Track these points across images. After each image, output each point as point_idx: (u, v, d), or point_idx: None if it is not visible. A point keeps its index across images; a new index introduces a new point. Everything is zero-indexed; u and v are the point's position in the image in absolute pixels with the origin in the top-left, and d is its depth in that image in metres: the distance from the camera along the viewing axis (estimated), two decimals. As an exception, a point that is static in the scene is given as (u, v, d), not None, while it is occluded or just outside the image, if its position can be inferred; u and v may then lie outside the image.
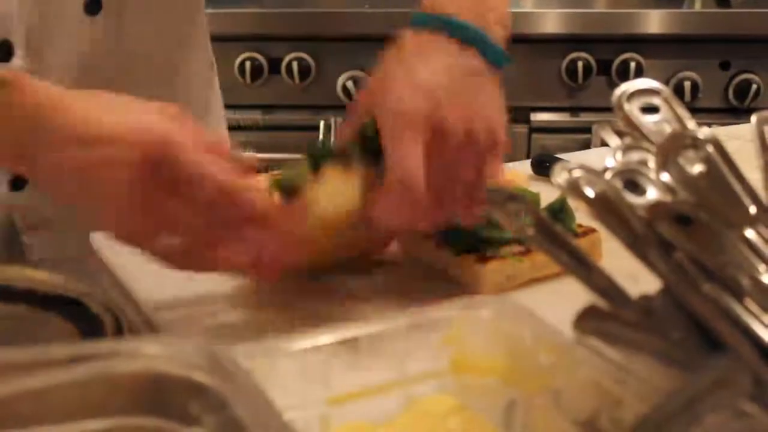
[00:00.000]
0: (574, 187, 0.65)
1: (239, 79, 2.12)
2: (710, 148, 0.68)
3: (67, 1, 1.10)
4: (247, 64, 2.10)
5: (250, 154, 0.84)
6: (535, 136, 2.18)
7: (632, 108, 0.74)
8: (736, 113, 2.10)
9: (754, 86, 2.09)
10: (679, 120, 0.74)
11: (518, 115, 2.18)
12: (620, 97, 0.75)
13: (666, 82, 2.10)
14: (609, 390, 0.60)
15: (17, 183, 1.13)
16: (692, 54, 2.11)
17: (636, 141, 0.73)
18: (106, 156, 0.75)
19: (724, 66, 2.11)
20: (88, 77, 1.12)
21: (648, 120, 0.74)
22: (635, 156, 0.71)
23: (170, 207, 0.77)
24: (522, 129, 2.18)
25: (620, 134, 0.76)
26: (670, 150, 0.67)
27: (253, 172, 0.79)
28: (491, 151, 0.81)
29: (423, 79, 0.79)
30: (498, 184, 0.81)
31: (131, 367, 0.57)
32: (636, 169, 0.68)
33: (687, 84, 2.09)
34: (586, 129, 2.12)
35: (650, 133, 0.74)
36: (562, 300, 0.85)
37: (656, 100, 0.75)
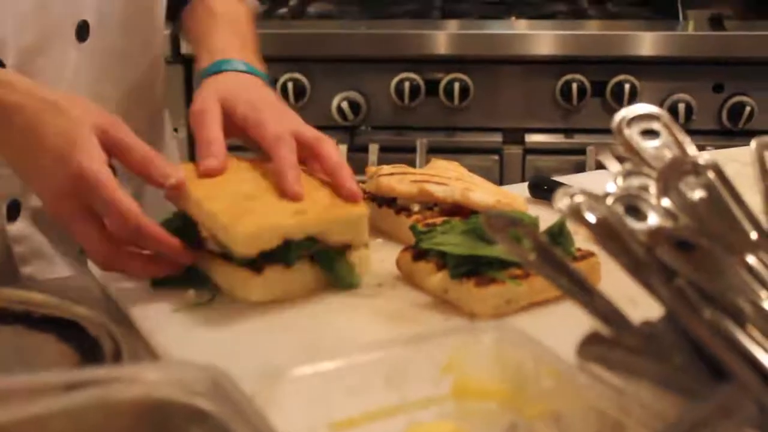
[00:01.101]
0: (575, 212, 0.65)
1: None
2: (711, 174, 0.68)
3: (60, 27, 1.11)
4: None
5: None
6: (529, 157, 2.18)
7: (632, 133, 0.74)
8: (730, 135, 2.10)
9: (748, 108, 2.09)
10: (679, 145, 0.74)
11: (512, 136, 2.18)
12: (620, 122, 0.75)
13: (660, 104, 2.10)
14: (611, 416, 0.60)
15: (11, 213, 1.14)
16: (686, 76, 2.12)
17: (636, 166, 0.73)
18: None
19: (718, 88, 2.12)
20: None
21: (648, 145, 0.74)
22: (636, 181, 0.72)
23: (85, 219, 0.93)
24: (516, 150, 2.18)
25: (620, 159, 0.76)
26: (671, 176, 0.68)
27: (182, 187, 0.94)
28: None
29: (274, 111, 1.04)
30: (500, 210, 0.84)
31: (131, 393, 0.57)
32: (637, 194, 0.68)
33: (681, 106, 2.09)
34: (581, 150, 2.12)
35: (650, 158, 0.74)
36: (561, 324, 0.84)
37: (656, 125, 0.75)
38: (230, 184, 0.96)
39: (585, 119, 2.15)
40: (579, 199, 0.65)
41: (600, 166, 2.03)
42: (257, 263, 0.91)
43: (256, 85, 1.09)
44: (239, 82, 1.09)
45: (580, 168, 2.11)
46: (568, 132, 2.17)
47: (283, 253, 0.91)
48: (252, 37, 1.21)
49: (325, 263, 0.94)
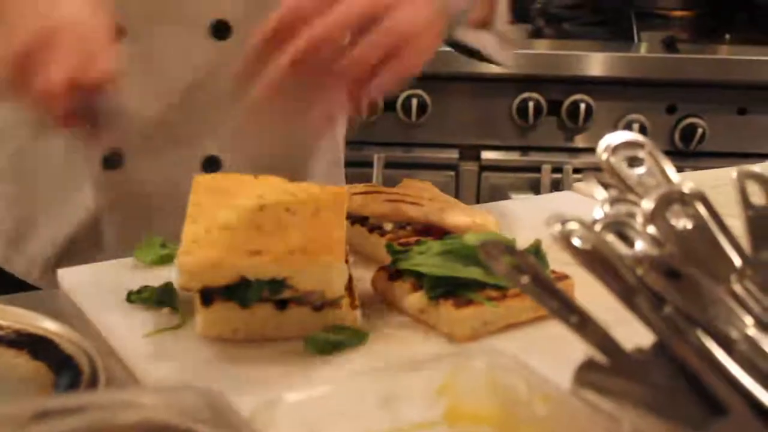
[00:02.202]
0: (566, 239, 0.66)
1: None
2: (698, 204, 0.69)
3: (189, 19, 1.09)
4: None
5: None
6: (485, 174, 2.20)
7: (617, 160, 0.75)
8: (682, 156, 2.14)
9: (700, 130, 2.13)
10: (663, 173, 0.76)
11: (469, 153, 2.20)
12: (605, 149, 0.76)
13: (615, 124, 2.14)
14: (604, 442, 0.61)
15: (109, 162, 1.15)
16: (640, 97, 2.16)
17: (621, 193, 0.74)
18: None
19: (671, 110, 2.16)
20: (192, 93, 1.11)
21: (633, 173, 0.75)
22: (622, 208, 0.73)
23: None
24: (472, 167, 2.20)
25: (605, 186, 0.77)
26: (659, 205, 0.69)
27: None
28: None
29: None
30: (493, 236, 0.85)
31: (131, 418, 0.56)
32: (625, 221, 0.69)
33: (635, 126, 2.13)
34: (536, 168, 2.15)
35: (635, 185, 0.75)
36: (536, 346, 0.86)
37: (640, 153, 0.76)
38: (223, 208, 0.93)
39: (541, 137, 2.18)
40: (572, 225, 0.65)
41: (556, 186, 2.07)
42: (209, 296, 0.87)
43: None
44: None
45: (535, 185, 2.14)
46: (523, 150, 2.20)
47: (241, 292, 0.86)
48: None
49: (293, 315, 0.89)
